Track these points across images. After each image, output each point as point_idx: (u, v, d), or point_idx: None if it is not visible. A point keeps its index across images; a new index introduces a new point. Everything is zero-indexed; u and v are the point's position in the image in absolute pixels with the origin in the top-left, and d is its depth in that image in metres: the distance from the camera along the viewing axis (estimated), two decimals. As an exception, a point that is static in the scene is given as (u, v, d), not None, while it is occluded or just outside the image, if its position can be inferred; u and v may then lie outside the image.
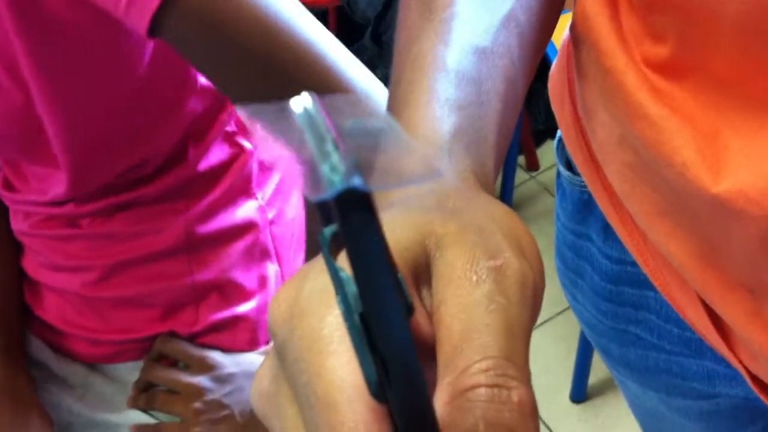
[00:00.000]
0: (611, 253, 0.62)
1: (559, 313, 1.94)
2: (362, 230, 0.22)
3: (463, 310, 0.26)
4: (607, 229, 0.61)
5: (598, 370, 1.80)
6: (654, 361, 0.65)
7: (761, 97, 0.43)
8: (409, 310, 0.27)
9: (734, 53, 0.43)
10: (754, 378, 0.56)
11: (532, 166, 2.30)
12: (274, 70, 0.63)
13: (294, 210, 0.92)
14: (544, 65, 0.50)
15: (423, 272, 0.28)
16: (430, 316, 0.27)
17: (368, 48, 1.95)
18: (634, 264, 0.59)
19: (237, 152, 0.85)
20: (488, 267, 0.27)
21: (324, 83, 0.63)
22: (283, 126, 0.22)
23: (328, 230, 0.26)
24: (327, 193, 0.21)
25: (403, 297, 0.26)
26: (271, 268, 0.89)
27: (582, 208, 0.64)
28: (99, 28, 0.68)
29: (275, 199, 0.89)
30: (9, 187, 0.87)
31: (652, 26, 0.48)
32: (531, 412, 0.25)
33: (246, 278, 0.87)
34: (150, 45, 0.72)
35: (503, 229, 0.29)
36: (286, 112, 0.22)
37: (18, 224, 0.89)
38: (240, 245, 0.86)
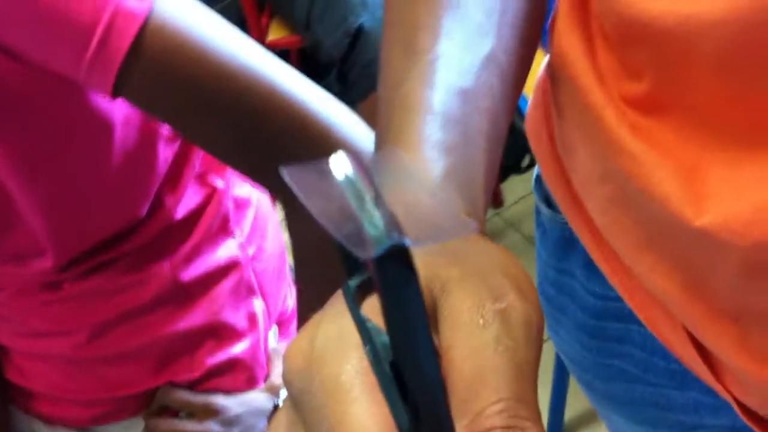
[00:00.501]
0: (594, 288, 0.62)
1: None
2: (403, 286, 0.23)
3: (472, 354, 0.26)
4: (590, 265, 0.61)
5: (574, 406, 1.80)
6: (640, 395, 0.65)
7: (739, 130, 0.44)
8: (439, 358, 0.27)
9: (711, 88, 0.44)
10: (742, 406, 0.56)
11: (497, 202, 2.32)
12: (243, 116, 0.63)
13: (272, 245, 0.92)
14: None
15: (429, 316, 0.28)
16: (438, 359, 0.27)
17: (333, 87, 1.97)
18: (617, 299, 0.60)
19: (210, 192, 0.84)
20: (494, 310, 0.27)
21: (295, 122, 0.63)
22: (322, 185, 0.24)
23: (353, 282, 0.26)
24: (370, 251, 0.22)
25: (435, 349, 0.27)
26: (258, 305, 0.88)
27: (563, 245, 0.64)
28: (65, 103, 0.67)
29: (253, 236, 0.89)
30: None
31: (628, 63, 0.48)
32: None
33: (236, 318, 0.86)
34: (118, 109, 0.71)
35: (503, 270, 0.29)
36: (325, 173, 0.24)
37: None
38: (226, 285, 0.85)
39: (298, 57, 2.38)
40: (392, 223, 0.23)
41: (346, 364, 0.26)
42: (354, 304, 0.26)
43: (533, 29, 0.49)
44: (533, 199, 0.67)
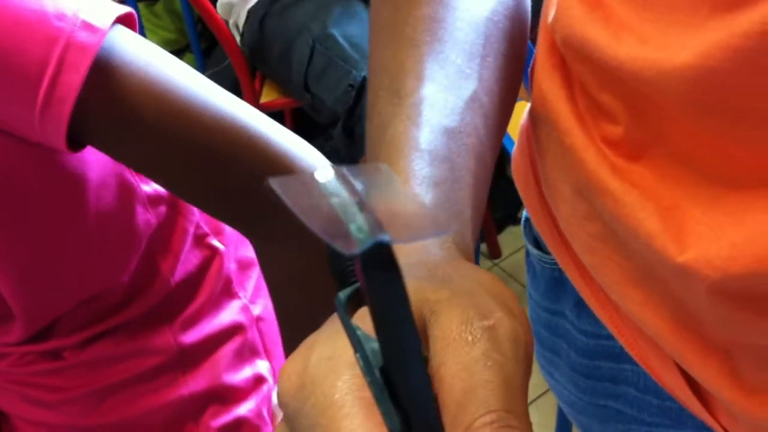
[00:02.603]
0: (586, 328, 0.63)
1: (529, 404, 1.93)
2: (388, 280, 0.24)
3: (462, 369, 0.27)
4: (580, 305, 0.62)
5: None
6: (636, 435, 0.66)
7: (714, 168, 0.45)
8: (426, 362, 0.28)
9: (682, 131, 0.45)
10: (736, 441, 0.56)
11: (495, 253, 2.33)
12: (208, 155, 0.62)
13: None
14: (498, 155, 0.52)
15: (419, 335, 0.29)
16: (431, 377, 0.28)
17: (339, 141, 1.98)
18: (609, 337, 0.60)
19: (210, 254, 0.83)
20: (482, 327, 0.28)
21: (261, 161, 0.62)
22: (309, 194, 0.25)
23: (343, 294, 0.28)
24: (355, 250, 0.24)
25: (422, 349, 0.28)
26: (262, 365, 0.87)
27: (554, 286, 0.65)
28: (32, 165, 0.65)
29: (258, 296, 0.88)
30: None
31: (604, 107, 0.50)
32: None
33: (240, 380, 0.85)
34: (90, 171, 0.69)
35: (491, 291, 0.31)
36: (311, 182, 0.25)
37: None
38: (229, 348, 0.84)
39: (291, 117, 2.42)
40: (375, 224, 0.24)
41: (338, 382, 0.27)
42: (345, 313, 0.28)
43: (515, 72, 0.51)
44: (529, 250, 0.68)
